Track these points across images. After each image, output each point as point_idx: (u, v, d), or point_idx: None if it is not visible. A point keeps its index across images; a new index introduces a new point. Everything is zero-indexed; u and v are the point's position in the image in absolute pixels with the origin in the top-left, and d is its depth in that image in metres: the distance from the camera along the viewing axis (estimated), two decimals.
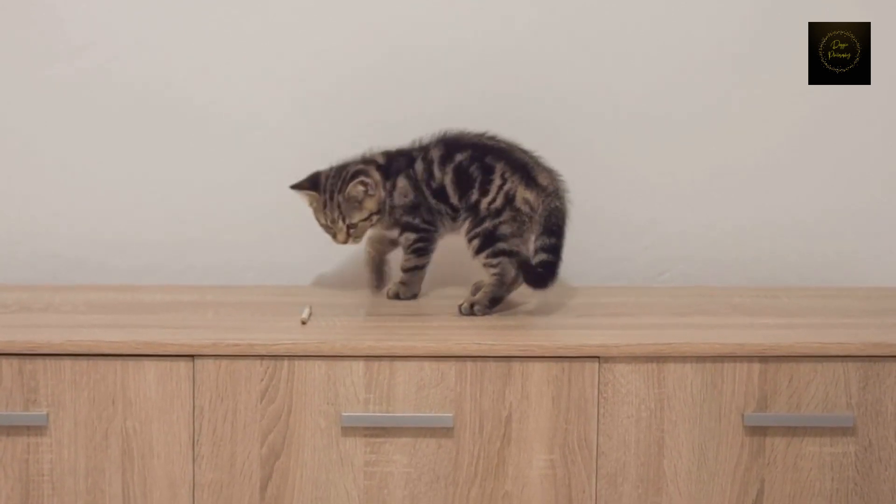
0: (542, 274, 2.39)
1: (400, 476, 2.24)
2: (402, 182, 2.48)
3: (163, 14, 2.66)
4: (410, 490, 2.24)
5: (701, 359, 2.24)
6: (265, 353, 2.21)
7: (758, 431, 2.25)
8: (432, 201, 2.48)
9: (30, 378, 2.20)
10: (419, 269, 2.52)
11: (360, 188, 2.44)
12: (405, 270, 2.52)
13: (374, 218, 2.47)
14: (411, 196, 2.48)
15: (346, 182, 2.45)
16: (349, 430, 2.22)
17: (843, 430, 2.25)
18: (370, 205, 2.46)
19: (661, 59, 2.71)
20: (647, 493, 2.25)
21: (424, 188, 2.48)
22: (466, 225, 2.45)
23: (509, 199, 2.43)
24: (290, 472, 2.23)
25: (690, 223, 2.75)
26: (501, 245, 2.43)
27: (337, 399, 2.22)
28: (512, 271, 2.43)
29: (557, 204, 2.44)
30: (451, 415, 2.23)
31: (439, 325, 2.36)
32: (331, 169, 2.49)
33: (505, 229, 2.43)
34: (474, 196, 2.45)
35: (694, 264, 2.75)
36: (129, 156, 2.70)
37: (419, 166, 2.48)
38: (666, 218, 2.75)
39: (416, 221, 2.49)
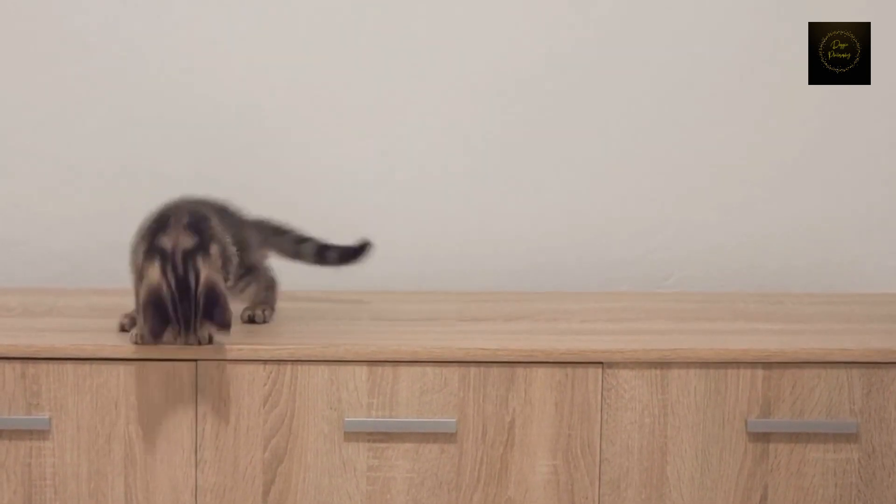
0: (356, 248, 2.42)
1: (402, 481, 2.23)
2: None
3: (164, 17, 2.66)
4: (413, 495, 2.24)
5: (705, 364, 2.23)
6: (268, 358, 2.20)
7: (761, 437, 2.24)
8: None
9: (32, 382, 2.20)
10: None
11: None
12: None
13: None
14: None
15: None
16: (352, 434, 2.22)
17: (847, 437, 2.25)
18: None
19: (662, 60, 2.70)
20: (650, 498, 2.25)
21: None
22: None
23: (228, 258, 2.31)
24: (293, 476, 2.23)
25: (694, 228, 2.75)
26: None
27: (340, 404, 2.22)
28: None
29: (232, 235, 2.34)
30: (454, 420, 2.22)
31: (442, 329, 2.35)
32: None
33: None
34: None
35: (698, 270, 2.75)
36: (134, 158, 2.69)
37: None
38: (669, 223, 2.74)
39: None
